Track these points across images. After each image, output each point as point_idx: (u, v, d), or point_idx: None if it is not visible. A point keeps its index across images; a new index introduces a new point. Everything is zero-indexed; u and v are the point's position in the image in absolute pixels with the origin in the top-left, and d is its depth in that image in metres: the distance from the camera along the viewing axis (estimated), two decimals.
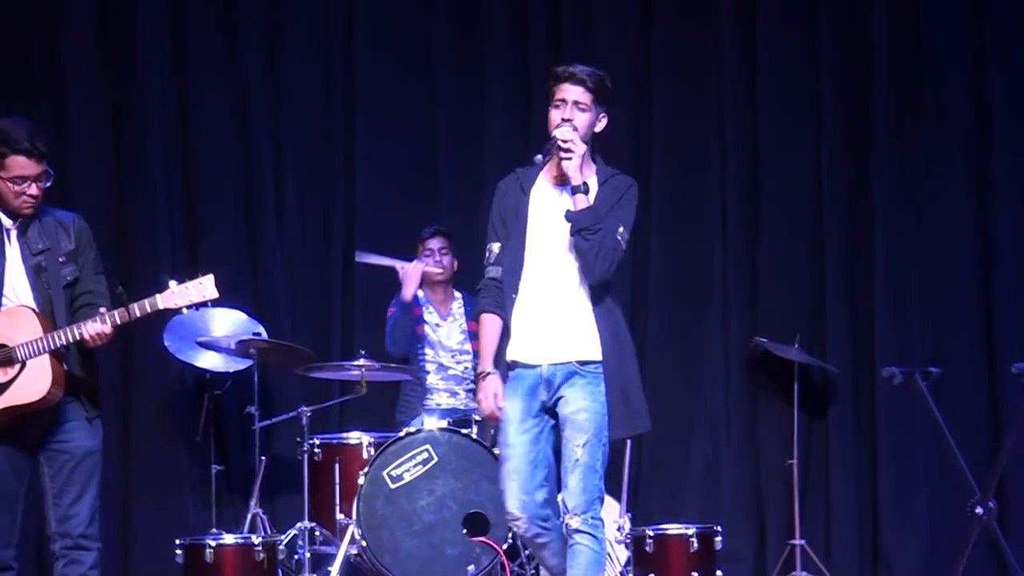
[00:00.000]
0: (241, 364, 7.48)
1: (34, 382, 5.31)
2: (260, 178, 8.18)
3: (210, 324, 7.48)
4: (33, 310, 5.39)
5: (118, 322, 5.32)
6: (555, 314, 5.10)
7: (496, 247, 5.19)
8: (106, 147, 8.05)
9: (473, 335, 7.61)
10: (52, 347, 5.32)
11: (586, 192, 5.05)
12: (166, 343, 7.42)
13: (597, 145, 5.24)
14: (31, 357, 5.32)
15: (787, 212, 8.21)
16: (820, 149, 8.16)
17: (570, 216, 5.05)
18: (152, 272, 7.42)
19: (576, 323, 5.11)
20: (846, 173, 8.14)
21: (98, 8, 8.04)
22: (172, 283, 5.36)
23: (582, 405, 5.09)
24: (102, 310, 5.32)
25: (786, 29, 8.20)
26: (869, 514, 7.95)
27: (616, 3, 8.34)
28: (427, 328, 7.49)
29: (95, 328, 5.30)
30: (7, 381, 5.32)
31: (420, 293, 7.50)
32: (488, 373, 5.17)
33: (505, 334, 5.16)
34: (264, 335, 7.44)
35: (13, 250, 5.45)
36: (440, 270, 7.58)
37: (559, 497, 5.13)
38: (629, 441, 7.67)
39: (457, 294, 7.72)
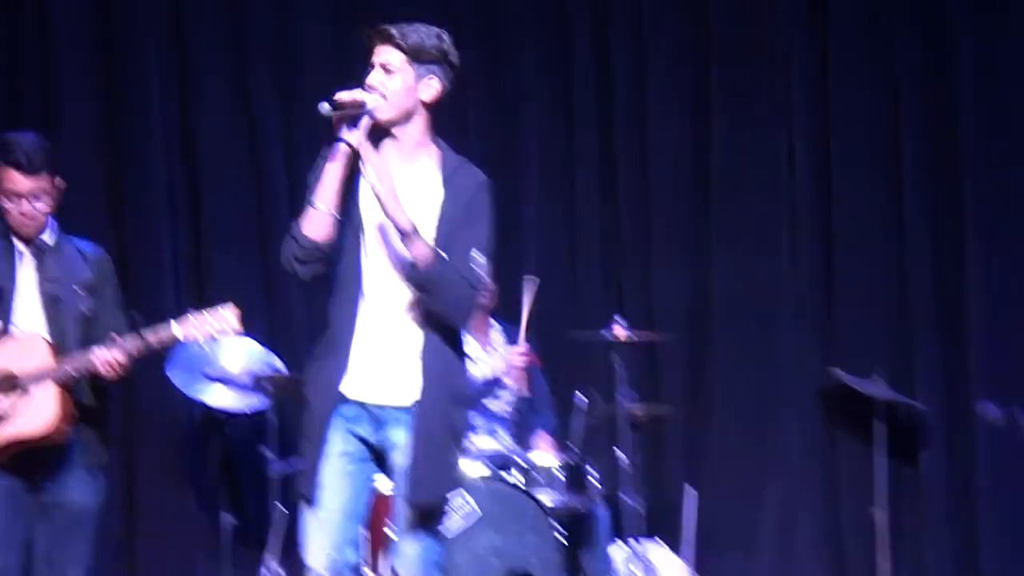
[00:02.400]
0: (255, 400, 7.39)
1: (40, 413, 5.35)
2: (272, 191, 8.14)
3: (220, 356, 7.37)
4: (44, 339, 5.44)
5: (131, 351, 5.36)
6: (389, 344, 4.63)
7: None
8: (100, 158, 8.04)
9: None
10: (62, 375, 5.36)
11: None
12: (170, 377, 7.31)
13: (437, 122, 4.77)
14: (38, 386, 5.37)
15: (865, 227, 8.13)
16: (901, 156, 8.09)
17: (411, 275, 4.54)
18: (154, 298, 7.54)
19: (410, 359, 4.64)
20: (932, 182, 8.10)
21: (94, 6, 8.10)
22: (190, 312, 5.42)
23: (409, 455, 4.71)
24: (113, 335, 5.37)
25: (858, 18, 8.15)
26: (967, 572, 7.92)
27: None
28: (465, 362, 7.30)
29: (105, 355, 5.32)
30: (13, 412, 5.38)
31: None
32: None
33: (336, 351, 4.65)
34: (280, 368, 7.38)
35: (26, 276, 5.52)
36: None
37: (391, 566, 4.77)
38: (691, 488, 7.76)
39: (494, 323, 7.68)
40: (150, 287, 7.63)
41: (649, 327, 7.92)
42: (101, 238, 7.37)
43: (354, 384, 4.65)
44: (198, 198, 8.08)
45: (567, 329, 7.72)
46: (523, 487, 6.84)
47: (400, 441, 4.64)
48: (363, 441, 4.67)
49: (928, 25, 8.05)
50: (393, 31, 4.64)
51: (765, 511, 8.04)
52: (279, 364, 7.38)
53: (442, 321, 4.61)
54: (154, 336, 5.36)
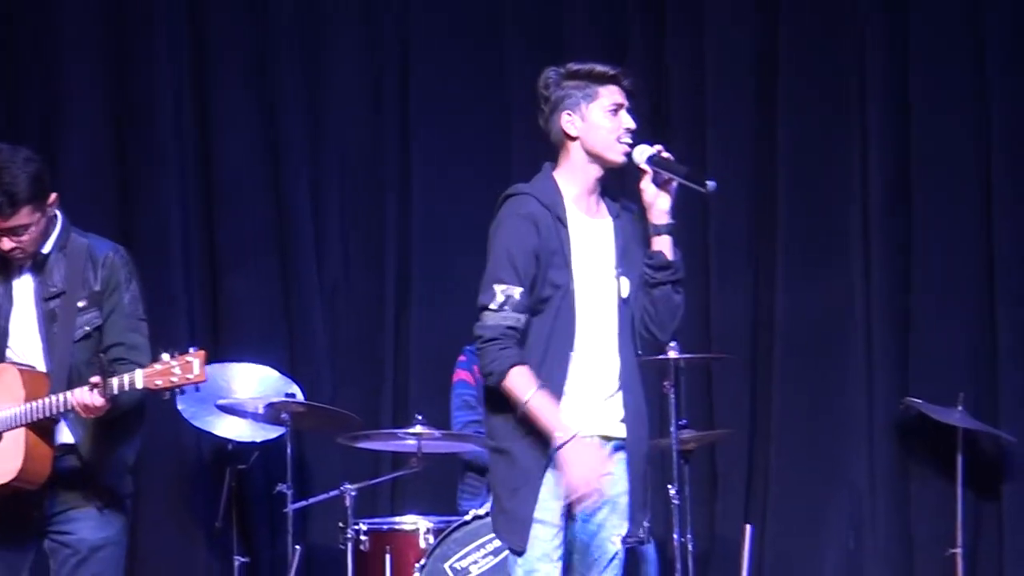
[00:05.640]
0: (271, 432, 7.39)
1: (5, 460, 5.20)
2: (296, 206, 8.19)
3: (232, 383, 7.42)
4: (20, 369, 5.25)
5: (111, 394, 5.16)
6: (608, 377, 4.98)
7: (518, 292, 4.87)
8: (108, 169, 8.06)
9: None
10: (31, 419, 5.18)
11: (672, 232, 5.02)
12: (179, 407, 7.28)
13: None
14: (7, 429, 5.22)
15: (947, 242, 8.08)
16: (990, 166, 8.03)
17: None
18: (161, 323, 7.41)
19: (620, 389, 5.01)
20: (1022, 195, 8.03)
21: (103, 8, 8.13)
22: (163, 356, 5.16)
23: (623, 487, 4.97)
24: (94, 379, 5.12)
25: (943, 12, 8.16)
26: None
27: None
28: None
29: (82, 398, 5.12)
30: None
31: None
32: (571, 436, 4.83)
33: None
34: (299, 397, 7.35)
35: (24, 290, 5.33)
36: None
37: None
38: (749, 527, 7.71)
39: None
40: (161, 316, 7.50)
41: (705, 349, 7.95)
42: None
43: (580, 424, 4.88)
44: (213, 219, 8.10)
45: None
46: None
47: (617, 471, 4.92)
48: None
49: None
50: (635, 82, 5.05)
51: (830, 550, 7.99)
52: (298, 392, 7.37)
53: (662, 331, 5.00)
54: (117, 382, 5.15)
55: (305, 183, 8.19)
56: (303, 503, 7.30)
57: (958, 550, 7.57)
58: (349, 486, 7.06)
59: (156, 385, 5.10)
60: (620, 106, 4.98)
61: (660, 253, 4.97)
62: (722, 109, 8.30)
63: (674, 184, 4.95)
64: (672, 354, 7.10)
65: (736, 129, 8.31)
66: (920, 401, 7.70)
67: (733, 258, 8.26)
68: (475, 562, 6.60)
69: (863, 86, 8.17)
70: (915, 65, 8.11)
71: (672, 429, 7.10)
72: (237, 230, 8.10)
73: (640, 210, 5.02)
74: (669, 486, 7.13)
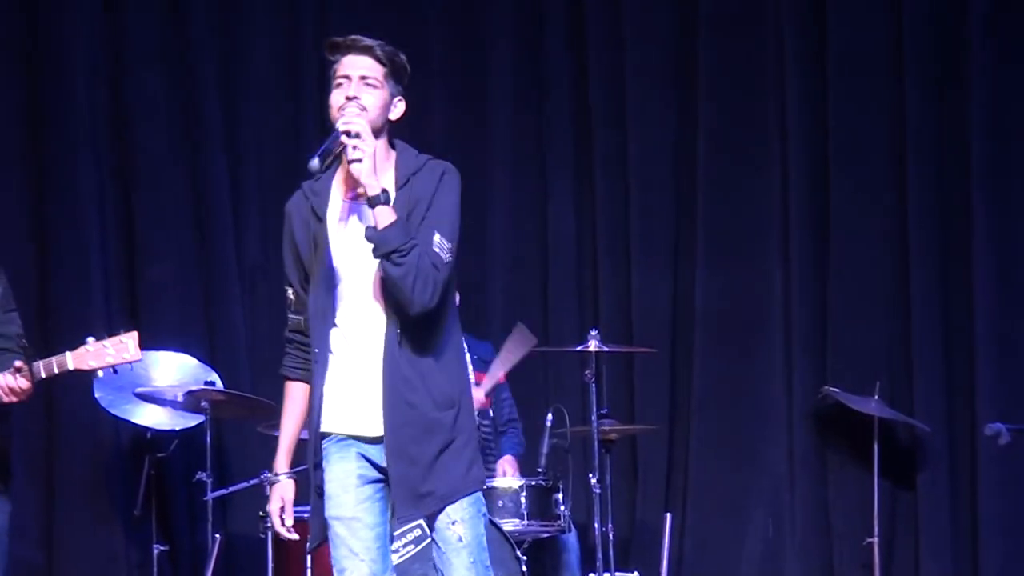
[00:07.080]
0: (190, 420, 7.37)
1: None
2: (214, 191, 8.14)
3: (151, 372, 7.36)
4: None
5: (37, 377, 5.29)
6: (374, 369, 4.73)
7: (290, 292, 4.87)
8: (23, 157, 7.98)
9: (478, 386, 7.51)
10: None
11: (387, 202, 4.60)
12: (97, 395, 7.28)
13: (397, 133, 4.84)
14: None
15: (864, 235, 8.14)
16: (905, 156, 8.08)
17: (371, 236, 4.61)
18: (79, 312, 7.51)
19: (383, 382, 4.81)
20: (938, 186, 8.09)
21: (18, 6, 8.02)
22: (89, 340, 5.39)
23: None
24: (18, 363, 5.24)
25: (862, 8, 8.19)
26: None
27: None
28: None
29: (6, 382, 5.25)
30: None
31: None
32: (278, 478, 5.00)
33: (314, 403, 4.88)
34: (219, 384, 7.35)
35: None
36: None
37: None
38: (669, 515, 7.78)
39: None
40: (78, 303, 7.63)
41: (627, 341, 8.02)
42: (22, 249, 7.64)
43: (352, 422, 4.81)
44: (130, 206, 8.04)
45: (538, 343, 7.61)
46: (483, 513, 6.47)
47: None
48: (377, 467, 4.82)
49: (939, 22, 8.09)
50: (373, 43, 4.70)
51: (749, 538, 8.08)
52: (217, 379, 7.37)
53: (405, 307, 4.60)
54: (44, 366, 5.27)
55: (223, 169, 8.12)
56: (223, 491, 7.32)
57: (875, 538, 7.66)
58: (269, 474, 6.89)
59: (89, 366, 5.31)
60: (346, 78, 4.69)
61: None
62: (643, 100, 8.29)
63: (358, 154, 4.57)
64: (593, 346, 7.09)
65: (656, 121, 8.31)
66: (838, 390, 7.78)
67: (653, 250, 8.26)
68: (395, 551, 6.50)
69: (782, 77, 8.21)
70: (833, 57, 8.14)
71: (592, 419, 7.14)
72: (155, 217, 8.03)
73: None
74: (590, 475, 7.14)
